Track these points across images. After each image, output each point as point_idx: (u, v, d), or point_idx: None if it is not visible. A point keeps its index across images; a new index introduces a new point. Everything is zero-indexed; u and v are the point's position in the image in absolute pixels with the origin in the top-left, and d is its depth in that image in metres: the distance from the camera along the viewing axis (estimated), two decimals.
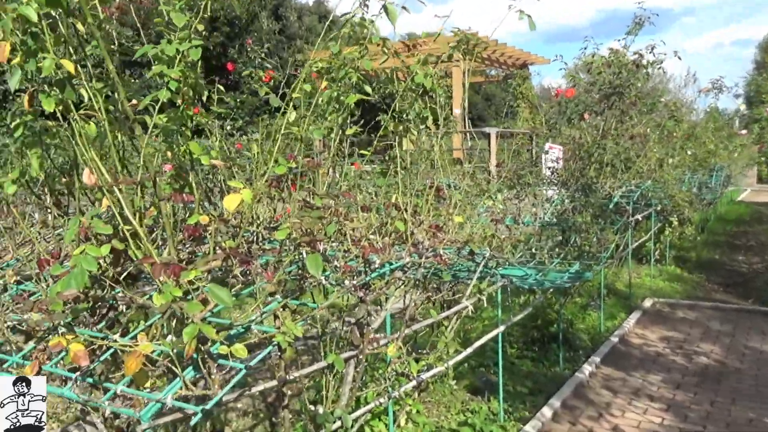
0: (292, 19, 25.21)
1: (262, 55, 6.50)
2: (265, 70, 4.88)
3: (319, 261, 1.96)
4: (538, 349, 5.91)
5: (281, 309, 2.24)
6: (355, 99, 3.05)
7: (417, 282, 2.87)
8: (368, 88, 3.18)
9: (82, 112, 2.07)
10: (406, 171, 3.23)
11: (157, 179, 2.44)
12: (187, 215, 2.67)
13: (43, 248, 2.71)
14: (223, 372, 1.98)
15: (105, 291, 2.17)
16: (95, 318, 2.20)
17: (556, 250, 5.87)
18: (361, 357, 2.60)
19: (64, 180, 2.71)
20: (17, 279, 2.59)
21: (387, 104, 3.37)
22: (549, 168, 7.61)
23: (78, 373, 1.94)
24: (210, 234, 2.39)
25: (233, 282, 2.47)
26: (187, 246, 2.57)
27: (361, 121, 3.86)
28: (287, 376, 2.24)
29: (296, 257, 2.43)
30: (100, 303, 2.19)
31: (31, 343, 2.19)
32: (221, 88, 3.37)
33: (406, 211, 3.05)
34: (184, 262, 2.57)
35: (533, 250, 5.83)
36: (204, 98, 2.92)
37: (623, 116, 7.12)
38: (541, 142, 9.32)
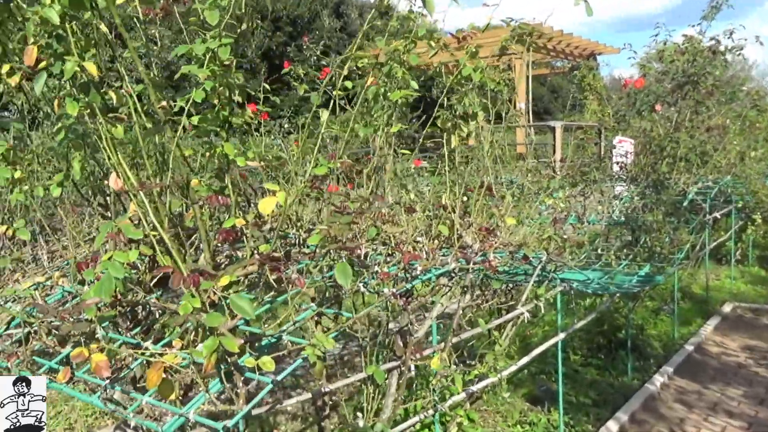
0: (353, 16, 25.32)
1: (318, 52, 6.47)
2: (320, 68, 4.83)
3: (347, 270, 1.85)
4: (604, 356, 5.60)
5: (316, 318, 2.15)
6: (400, 95, 2.92)
7: (465, 288, 2.72)
8: (414, 84, 3.04)
9: (111, 115, 2.04)
10: (455, 169, 3.08)
11: (192, 181, 2.40)
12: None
13: (91, 250, 2.73)
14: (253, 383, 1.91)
15: (140, 296, 2.14)
16: (129, 324, 2.18)
17: (624, 251, 5.54)
18: (403, 369, 2.47)
19: (107, 182, 2.72)
20: (61, 281, 2.62)
21: (447, 100, 3.22)
22: (617, 163, 7.23)
23: (107, 381, 1.91)
24: (247, 238, 2.32)
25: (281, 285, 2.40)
26: (227, 249, 2.52)
27: (423, 117, 3.71)
28: (323, 388, 2.15)
29: (335, 262, 2.33)
30: (137, 307, 2.16)
31: (68, 348, 2.19)
32: (267, 86, 3.32)
33: (454, 211, 2.89)
34: (222, 266, 2.53)
35: (599, 251, 5.52)
36: (245, 98, 2.88)
37: (698, 107, 6.65)
38: (610, 136, 8.88)
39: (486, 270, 2.60)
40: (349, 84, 2.68)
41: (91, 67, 1.79)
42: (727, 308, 7.51)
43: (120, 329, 2.17)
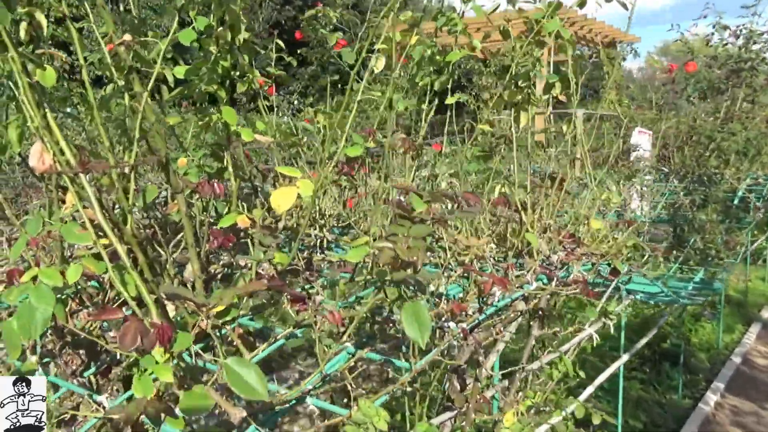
0: None
1: (334, 19, 5.68)
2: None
3: (423, 315, 1.10)
4: (649, 369, 4.86)
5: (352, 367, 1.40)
6: (459, 56, 2.15)
7: (539, 312, 2.00)
8: (478, 42, 2.27)
9: (40, 51, 1.29)
10: (527, 154, 2.32)
11: (179, 160, 1.65)
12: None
13: None
14: None
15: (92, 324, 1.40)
16: (77, 364, 1.44)
17: (674, 252, 4.78)
18: (465, 424, 1.75)
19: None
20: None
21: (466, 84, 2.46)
22: (658, 155, 6.44)
23: None
24: (253, 243, 1.57)
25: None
26: (222, 257, 1.77)
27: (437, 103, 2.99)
28: None
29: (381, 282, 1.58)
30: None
31: None
32: (280, 43, 2.56)
33: (524, 211, 2.14)
34: (218, 277, 1.78)
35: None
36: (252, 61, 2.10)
37: (754, 95, 5.84)
38: (633, 125, 8.08)
39: (575, 290, 1.86)
40: (387, 43, 1.91)
41: None
42: (766, 314, 6.79)
43: (67, 368, 1.44)
